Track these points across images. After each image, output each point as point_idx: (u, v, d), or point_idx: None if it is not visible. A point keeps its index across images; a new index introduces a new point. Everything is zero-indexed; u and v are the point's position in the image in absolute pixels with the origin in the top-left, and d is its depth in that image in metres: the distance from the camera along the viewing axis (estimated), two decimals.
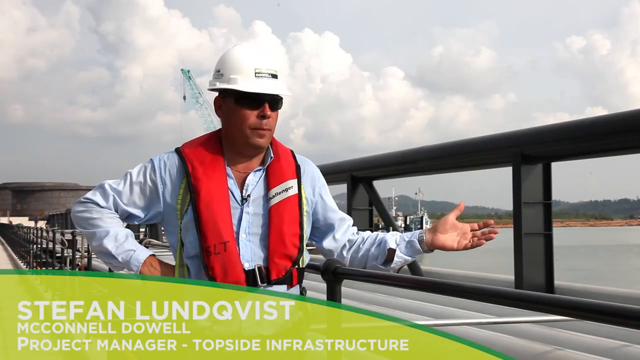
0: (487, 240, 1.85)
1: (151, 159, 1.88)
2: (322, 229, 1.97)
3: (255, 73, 1.77)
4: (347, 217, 2.00)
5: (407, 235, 1.91)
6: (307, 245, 1.91)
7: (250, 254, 1.79)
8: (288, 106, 1.87)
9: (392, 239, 1.91)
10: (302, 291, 1.92)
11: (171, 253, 1.93)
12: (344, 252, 1.97)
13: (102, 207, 1.84)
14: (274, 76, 1.79)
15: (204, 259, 1.75)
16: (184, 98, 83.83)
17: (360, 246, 1.96)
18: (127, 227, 1.97)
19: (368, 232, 2.00)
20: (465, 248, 1.84)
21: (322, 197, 1.96)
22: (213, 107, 1.91)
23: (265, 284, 1.78)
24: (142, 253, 1.83)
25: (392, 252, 1.89)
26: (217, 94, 1.87)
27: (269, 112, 1.78)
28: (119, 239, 1.82)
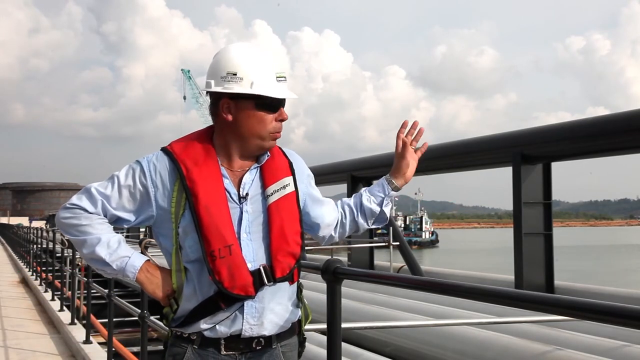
0: (418, 142, 2.02)
1: (138, 161, 1.81)
2: (312, 220, 1.97)
3: (277, 78, 1.78)
4: (328, 200, 2.04)
5: (378, 190, 2.03)
6: None
7: (253, 254, 1.76)
8: (289, 106, 1.87)
9: (368, 199, 2.02)
10: (299, 286, 1.91)
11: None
12: (332, 233, 2.02)
13: (91, 213, 1.76)
14: (286, 79, 1.81)
15: (208, 263, 1.71)
16: (184, 98, 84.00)
17: (344, 221, 2.03)
18: (127, 230, 1.93)
19: (345, 201, 2.06)
20: (416, 156, 2.04)
21: (310, 189, 1.97)
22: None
23: (272, 283, 1.77)
24: (137, 259, 1.78)
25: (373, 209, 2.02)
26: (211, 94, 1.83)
27: (286, 116, 1.81)
28: (111, 246, 1.75)
